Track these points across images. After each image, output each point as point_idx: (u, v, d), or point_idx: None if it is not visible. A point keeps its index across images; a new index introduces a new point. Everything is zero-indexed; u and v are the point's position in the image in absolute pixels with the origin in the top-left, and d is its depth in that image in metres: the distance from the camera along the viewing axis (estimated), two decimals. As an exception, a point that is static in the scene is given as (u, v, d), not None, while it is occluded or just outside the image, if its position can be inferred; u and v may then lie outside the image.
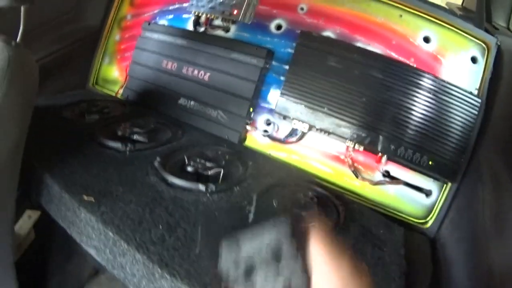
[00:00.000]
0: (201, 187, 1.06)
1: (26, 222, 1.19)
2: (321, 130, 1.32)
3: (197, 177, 1.12)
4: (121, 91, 1.75)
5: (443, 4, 1.73)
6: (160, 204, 0.99)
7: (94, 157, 1.17)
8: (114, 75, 1.83)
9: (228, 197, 1.07)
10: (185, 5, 1.62)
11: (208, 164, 1.14)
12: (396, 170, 1.32)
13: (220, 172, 1.13)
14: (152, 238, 0.87)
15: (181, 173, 1.12)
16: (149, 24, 1.72)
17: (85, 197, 0.97)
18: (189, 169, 1.13)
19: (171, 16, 1.71)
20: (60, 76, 1.74)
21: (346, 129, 1.28)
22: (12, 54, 0.90)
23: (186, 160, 1.15)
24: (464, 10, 1.77)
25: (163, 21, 1.72)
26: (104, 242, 0.89)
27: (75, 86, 1.83)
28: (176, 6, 1.70)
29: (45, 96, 1.58)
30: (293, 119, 1.35)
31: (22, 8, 1.03)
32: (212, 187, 1.06)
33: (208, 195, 1.05)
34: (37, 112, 1.03)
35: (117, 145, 1.22)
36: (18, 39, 1.02)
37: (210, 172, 1.13)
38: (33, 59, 1.03)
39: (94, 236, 0.91)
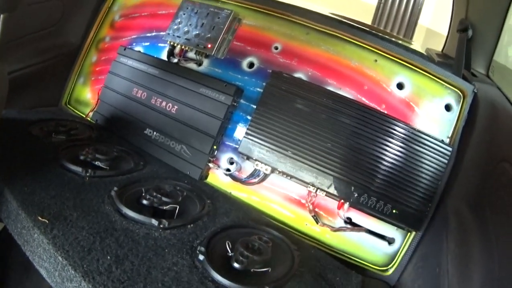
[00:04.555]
0: (154, 221, 1.15)
1: (-12, 232, 1.26)
2: (283, 173, 1.41)
3: (153, 211, 1.22)
4: (91, 114, 1.86)
5: (422, 50, 1.83)
6: (111, 234, 1.09)
7: (54, 178, 1.28)
8: (86, 96, 1.95)
9: (180, 234, 1.16)
10: (162, 33, 1.75)
11: (165, 199, 1.24)
12: (358, 217, 1.40)
13: (175, 208, 1.23)
14: (99, 268, 0.96)
15: (137, 205, 1.23)
16: (124, 49, 1.83)
17: (40, 218, 1.07)
18: (145, 202, 1.23)
19: (147, 44, 1.83)
20: (33, 91, 1.87)
21: (309, 174, 1.36)
22: None
23: (143, 193, 1.25)
24: (444, 56, 1.86)
25: (139, 48, 1.84)
26: (54, 265, 0.98)
27: (48, 103, 1.97)
28: (154, 33, 1.82)
29: (16, 109, 1.70)
30: (256, 160, 1.43)
31: (1, 17, 1.11)
32: (164, 223, 1.16)
33: (160, 230, 1.15)
34: (6, 125, 1.14)
35: (77, 169, 1.34)
36: None
37: (165, 207, 1.23)
38: (4, 71, 1.13)
39: (45, 258, 1.01)
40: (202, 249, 1.10)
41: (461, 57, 1.58)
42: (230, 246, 1.11)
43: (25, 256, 1.10)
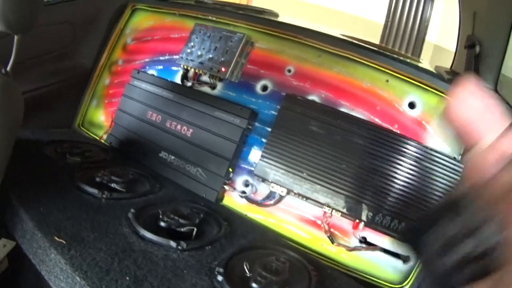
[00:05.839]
0: (172, 243, 1.16)
1: (1, 250, 1.28)
2: (299, 195, 1.42)
3: (170, 233, 1.23)
4: (105, 136, 1.88)
5: (432, 68, 1.84)
6: (129, 256, 1.09)
7: (70, 199, 1.30)
8: (100, 119, 1.97)
9: (198, 256, 1.16)
10: (175, 57, 1.77)
11: (182, 221, 1.25)
12: (373, 236, 1.39)
13: (193, 230, 1.24)
14: (118, 289, 0.96)
15: (154, 227, 1.23)
16: (138, 72, 1.86)
17: (57, 239, 1.08)
18: (162, 224, 1.23)
19: (160, 67, 1.85)
20: (46, 113, 1.89)
21: (324, 195, 1.37)
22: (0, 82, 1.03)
23: (161, 215, 1.26)
24: (453, 73, 1.80)
25: (152, 71, 1.86)
26: (71, 286, 0.99)
27: (61, 124, 1.99)
28: (167, 57, 1.85)
29: (30, 130, 1.73)
30: (271, 182, 1.44)
31: (16, 38, 1.16)
32: (183, 244, 1.17)
33: (178, 252, 1.15)
34: (20, 145, 1.16)
35: (94, 191, 1.35)
36: (8, 68, 1.16)
37: (183, 229, 1.24)
38: (19, 91, 1.15)
39: (62, 278, 1.01)
40: (221, 270, 1.10)
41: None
42: (248, 267, 1.11)
43: (38, 275, 1.11)
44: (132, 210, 1.28)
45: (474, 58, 1.60)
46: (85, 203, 1.30)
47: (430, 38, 3.99)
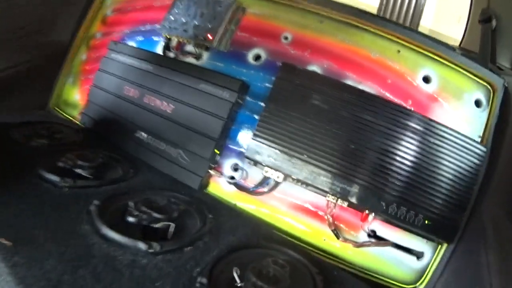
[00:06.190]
0: (141, 245, 0.89)
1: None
2: (298, 180, 1.20)
3: (142, 230, 0.98)
4: (80, 116, 1.65)
5: None
6: (87, 262, 0.83)
7: (29, 189, 1.04)
8: (76, 98, 1.76)
9: (176, 261, 0.90)
10: (157, 27, 1.54)
11: (156, 215, 0.99)
12: (383, 229, 1.20)
13: (169, 226, 0.99)
14: (67, 312, 0.72)
15: (121, 224, 0.97)
16: (115, 44, 1.63)
17: (2, 240, 0.82)
18: (131, 219, 0.97)
19: (141, 38, 1.63)
20: (19, 93, 1.67)
21: (329, 181, 1.15)
22: None
23: (132, 208, 1.00)
24: (464, 50, 1.72)
25: (132, 43, 1.64)
26: None
27: (35, 106, 1.77)
28: (148, 27, 1.62)
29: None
30: (265, 166, 1.22)
31: None
32: (155, 246, 0.90)
33: (150, 256, 0.89)
34: None
35: (55, 178, 1.09)
36: None
37: (157, 226, 0.98)
38: None
39: None
40: (204, 280, 0.84)
41: (487, 49, 1.44)
42: (239, 273, 0.86)
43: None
44: (96, 202, 1.01)
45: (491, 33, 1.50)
46: (45, 193, 1.04)
47: (425, 23, 3.82)
